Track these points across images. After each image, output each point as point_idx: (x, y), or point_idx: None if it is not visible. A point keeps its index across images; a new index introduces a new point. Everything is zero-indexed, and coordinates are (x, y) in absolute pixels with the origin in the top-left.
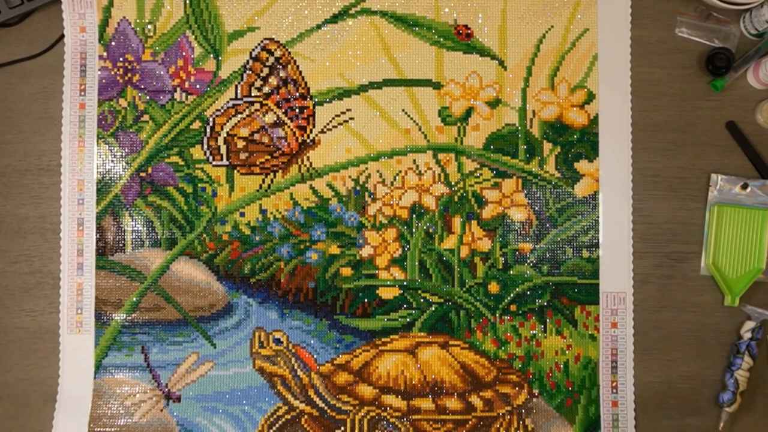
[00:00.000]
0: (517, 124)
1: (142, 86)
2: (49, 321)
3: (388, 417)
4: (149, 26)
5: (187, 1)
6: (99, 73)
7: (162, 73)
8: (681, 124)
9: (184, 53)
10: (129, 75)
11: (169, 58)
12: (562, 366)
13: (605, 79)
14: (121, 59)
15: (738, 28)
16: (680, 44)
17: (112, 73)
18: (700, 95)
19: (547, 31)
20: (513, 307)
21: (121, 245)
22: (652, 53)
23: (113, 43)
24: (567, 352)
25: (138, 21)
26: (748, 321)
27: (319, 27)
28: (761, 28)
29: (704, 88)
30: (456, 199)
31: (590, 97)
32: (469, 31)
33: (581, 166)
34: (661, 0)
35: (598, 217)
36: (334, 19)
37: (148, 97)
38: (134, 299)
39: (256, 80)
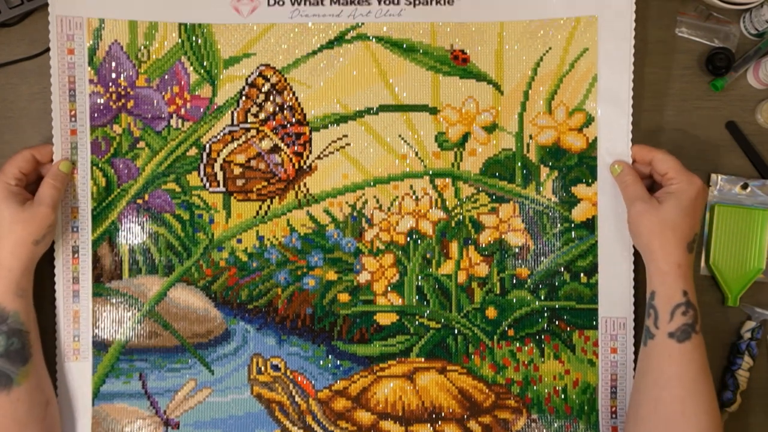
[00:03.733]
0: (514, 149)
1: (137, 113)
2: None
3: None
4: (143, 50)
5: (182, 27)
6: (90, 98)
7: (158, 99)
8: (681, 124)
9: (182, 81)
10: (123, 101)
11: (164, 85)
12: (560, 391)
13: (604, 101)
14: (112, 84)
15: (738, 28)
16: (680, 44)
17: (104, 98)
18: (700, 95)
19: (544, 54)
20: (511, 332)
21: (117, 272)
22: (652, 53)
23: (104, 68)
24: (565, 377)
25: (130, 45)
26: (748, 321)
27: (314, 53)
28: (761, 28)
29: (704, 88)
30: (453, 224)
31: (588, 120)
32: (466, 56)
33: (579, 190)
34: (661, 0)
35: (596, 241)
36: (330, 44)
37: (143, 124)
38: (132, 326)
39: (252, 106)
